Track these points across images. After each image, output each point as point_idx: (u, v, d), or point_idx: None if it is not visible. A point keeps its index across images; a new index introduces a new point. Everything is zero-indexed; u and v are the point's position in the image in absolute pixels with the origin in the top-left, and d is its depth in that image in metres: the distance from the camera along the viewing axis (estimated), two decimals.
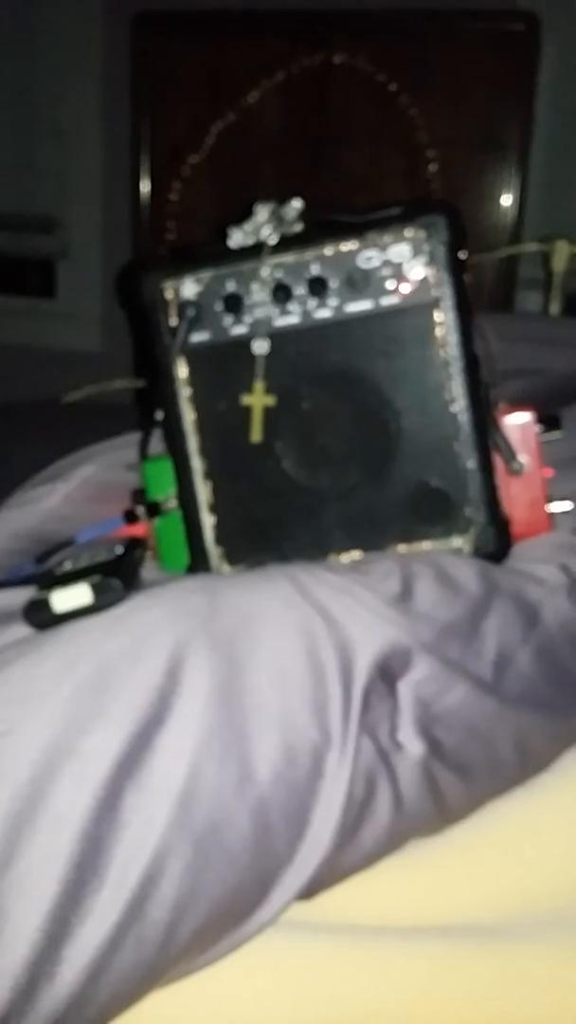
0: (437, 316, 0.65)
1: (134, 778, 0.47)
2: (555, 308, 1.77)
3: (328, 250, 0.65)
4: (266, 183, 2.01)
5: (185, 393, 0.68)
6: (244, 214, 0.68)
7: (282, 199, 0.68)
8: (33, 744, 0.47)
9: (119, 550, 0.64)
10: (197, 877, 0.47)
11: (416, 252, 0.64)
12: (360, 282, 0.65)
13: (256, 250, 0.66)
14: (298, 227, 0.67)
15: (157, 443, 0.75)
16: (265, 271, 0.66)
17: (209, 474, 0.69)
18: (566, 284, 1.75)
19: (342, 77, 1.97)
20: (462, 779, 0.56)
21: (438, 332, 0.65)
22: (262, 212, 0.67)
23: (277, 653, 0.53)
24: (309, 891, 0.52)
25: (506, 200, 1.97)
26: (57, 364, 2.40)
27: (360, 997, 0.55)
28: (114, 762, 0.47)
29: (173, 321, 0.68)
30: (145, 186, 2.11)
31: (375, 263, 0.65)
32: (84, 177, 2.40)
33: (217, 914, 0.48)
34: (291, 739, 0.50)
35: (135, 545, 0.65)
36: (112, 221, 2.37)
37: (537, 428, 0.70)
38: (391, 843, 0.55)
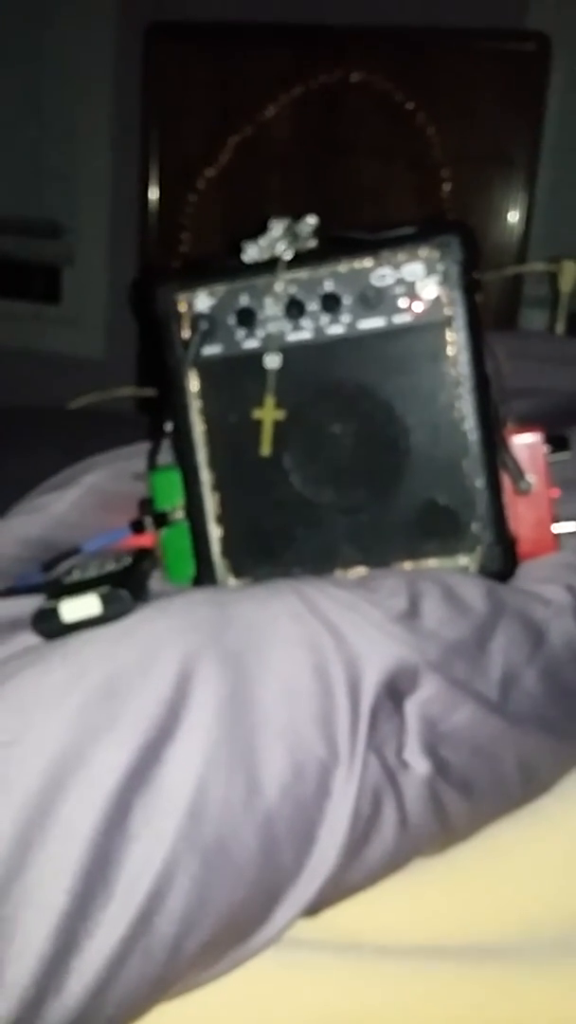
0: (449, 335, 0.65)
1: (143, 791, 0.47)
2: (561, 327, 1.78)
3: (342, 267, 0.66)
4: (280, 198, 2.01)
5: (196, 405, 0.69)
6: (259, 229, 0.68)
7: (297, 215, 0.68)
8: (42, 755, 0.47)
9: (127, 560, 0.64)
10: (204, 891, 0.47)
11: (429, 271, 0.65)
12: (373, 299, 0.65)
13: (270, 265, 0.67)
14: (312, 243, 0.68)
15: (165, 453, 0.76)
16: (279, 286, 0.66)
17: (217, 486, 0.69)
18: (572, 304, 1.76)
19: (358, 94, 1.97)
20: (467, 798, 0.56)
21: (450, 351, 0.65)
22: (277, 227, 0.67)
23: (285, 668, 0.53)
24: (314, 908, 0.52)
25: (513, 218, 1.98)
26: (60, 370, 2.41)
27: (363, 1015, 0.55)
28: (123, 774, 0.47)
29: (186, 333, 0.68)
30: (153, 195, 2.11)
31: (388, 281, 0.65)
32: (92, 184, 2.41)
33: (223, 929, 0.48)
34: (298, 755, 0.51)
35: (144, 556, 0.66)
36: (119, 229, 2.37)
37: (545, 448, 0.70)
38: (396, 861, 0.55)
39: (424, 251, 0.65)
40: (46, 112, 2.45)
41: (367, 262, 0.65)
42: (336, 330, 0.66)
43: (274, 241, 0.67)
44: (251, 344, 0.67)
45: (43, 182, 2.49)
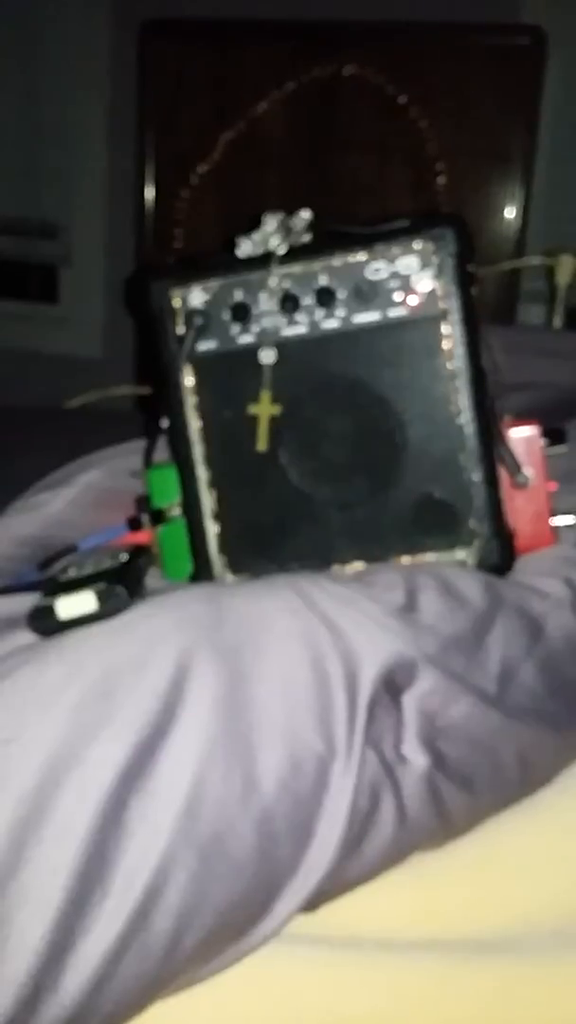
0: (444, 328, 0.65)
1: (139, 787, 0.47)
2: (558, 321, 1.77)
3: (336, 261, 0.66)
4: (274, 193, 2.01)
5: (191, 401, 0.68)
6: (252, 224, 0.68)
7: (290, 209, 0.68)
8: (38, 752, 0.47)
9: (124, 557, 0.64)
10: (201, 887, 0.46)
11: (424, 264, 0.65)
12: (368, 293, 0.65)
13: (264, 260, 0.66)
14: (306, 238, 0.67)
15: (161, 450, 0.76)
16: (273, 281, 0.66)
17: (214, 482, 0.69)
18: (569, 298, 1.75)
19: (352, 88, 1.97)
20: (465, 792, 0.56)
21: (445, 344, 0.65)
22: (271, 222, 0.67)
23: (282, 663, 0.53)
24: (312, 903, 0.52)
25: (510, 213, 1.98)
26: (58, 369, 2.40)
27: (362, 1010, 0.55)
28: (119, 771, 0.46)
29: (180, 329, 0.68)
30: (149, 193, 2.11)
31: (383, 275, 0.65)
32: (88, 183, 2.41)
33: (221, 925, 0.48)
34: (296, 750, 0.50)
35: (140, 553, 0.65)
36: (116, 228, 2.37)
37: (542, 442, 0.70)
38: (394, 856, 0.55)
39: (418, 244, 0.64)
40: (41, 112, 2.44)
41: (361, 256, 0.65)
42: (331, 324, 0.66)
43: (268, 236, 0.67)
44: (246, 339, 0.67)
45: (39, 182, 2.48)
